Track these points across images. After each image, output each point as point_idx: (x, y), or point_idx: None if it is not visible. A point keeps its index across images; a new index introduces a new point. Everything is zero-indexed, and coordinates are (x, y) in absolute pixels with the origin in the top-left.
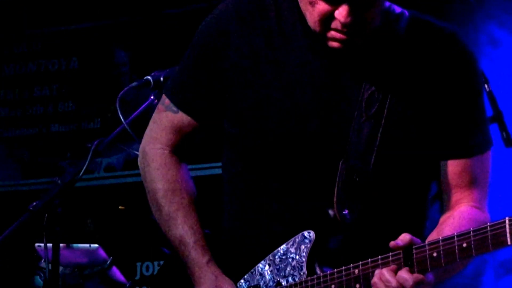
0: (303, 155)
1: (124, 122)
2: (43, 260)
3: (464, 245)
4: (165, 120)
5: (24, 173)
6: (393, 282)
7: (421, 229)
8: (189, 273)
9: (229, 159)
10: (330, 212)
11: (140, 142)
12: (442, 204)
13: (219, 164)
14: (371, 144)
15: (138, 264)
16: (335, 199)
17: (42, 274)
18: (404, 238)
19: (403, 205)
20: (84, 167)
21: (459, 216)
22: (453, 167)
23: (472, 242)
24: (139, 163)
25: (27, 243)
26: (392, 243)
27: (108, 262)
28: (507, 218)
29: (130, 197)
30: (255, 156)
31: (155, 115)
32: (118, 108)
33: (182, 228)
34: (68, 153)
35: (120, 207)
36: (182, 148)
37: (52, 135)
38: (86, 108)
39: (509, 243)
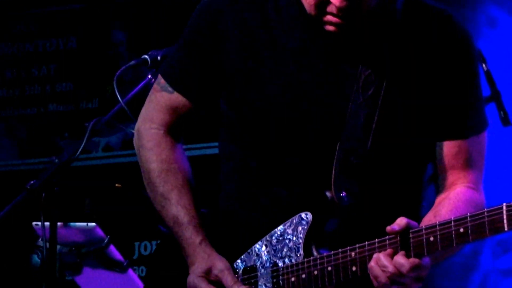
0: (300, 136)
1: (121, 101)
2: (40, 239)
3: (461, 230)
4: (160, 100)
5: (21, 152)
6: (390, 267)
7: (417, 210)
8: (183, 254)
9: (225, 139)
10: (328, 194)
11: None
12: (438, 185)
13: (216, 144)
14: (368, 126)
15: (136, 243)
16: (332, 181)
17: (39, 253)
18: (401, 222)
19: (400, 186)
20: (82, 146)
21: (455, 197)
22: (449, 148)
23: (469, 227)
24: (134, 143)
25: (24, 222)
26: (388, 228)
27: (105, 241)
28: (504, 204)
29: (128, 177)
30: (252, 137)
31: (150, 95)
32: (115, 87)
33: (176, 208)
34: (66, 132)
35: (116, 184)
36: (178, 129)
37: (50, 115)
38: (84, 88)
39: (506, 229)
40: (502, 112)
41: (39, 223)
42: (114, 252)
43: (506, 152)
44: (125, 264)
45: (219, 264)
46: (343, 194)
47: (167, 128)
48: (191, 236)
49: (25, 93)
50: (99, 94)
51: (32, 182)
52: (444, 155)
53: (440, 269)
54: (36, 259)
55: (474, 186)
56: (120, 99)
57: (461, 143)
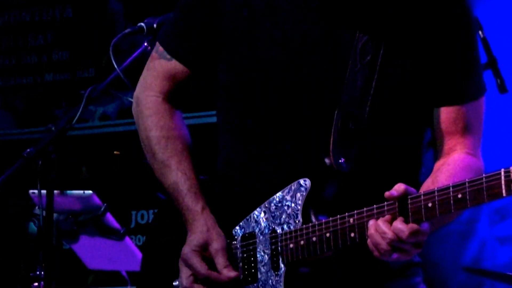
0: (298, 103)
1: (117, 69)
2: (37, 207)
3: (459, 196)
4: (158, 67)
5: (18, 122)
6: (389, 233)
7: (416, 176)
8: (184, 220)
9: (223, 106)
10: (326, 160)
11: (134, 90)
12: (436, 151)
13: (214, 112)
14: (365, 92)
15: (133, 212)
16: (331, 148)
17: (36, 221)
18: (399, 188)
19: (398, 152)
20: (78, 113)
21: (453, 163)
22: (447, 114)
23: (467, 193)
24: (133, 111)
25: (21, 190)
26: (386, 194)
27: (102, 209)
28: (502, 169)
29: (124, 146)
30: (249, 103)
31: (149, 63)
32: (111, 55)
33: (176, 174)
34: (62, 102)
35: (115, 152)
36: (176, 96)
37: (47, 84)
38: (80, 57)
39: (504, 194)
40: (498, 80)
41: (36, 191)
42: (111, 220)
43: (502, 119)
44: (122, 231)
45: (216, 243)
46: (341, 160)
47: (165, 96)
48: (191, 203)
49: (22, 62)
50: (95, 63)
51: (28, 150)
52: (442, 121)
53: (437, 237)
54: (32, 227)
55: (472, 152)
56: (116, 66)
57: (459, 108)
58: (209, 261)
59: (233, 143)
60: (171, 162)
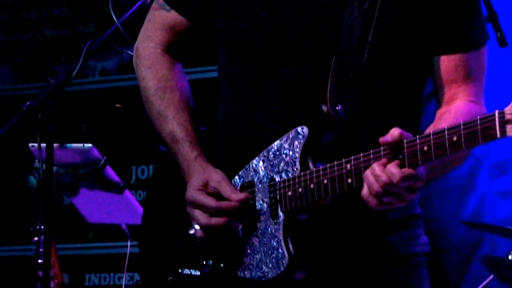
0: (296, 51)
1: (117, 22)
2: (37, 160)
3: (454, 138)
4: (158, 19)
5: (18, 78)
6: (383, 176)
7: (416, 125)
8: (181, 170)
9: (222, 57)
10: (324, 107)
11: (134, 44)
12: (438, 100)
13: (215, 67)
14: (363, 40)
15: (133, 167)
16: (328, 95)
17: (36, 174)
18: (394, 133)
19: (397, 100)
20: (78, 66)
21: (455, 111)
22: (448, 62)
23: (462, 136)
24: (133, 62)
25: (21, 144)
26: (381, 139)
27: (102, 162)
28: (496, 111)
29: (125, 101)
30: (247, 52)
31: (149, 14)
32: (111, 9)
33: (172, 124)
34: (62, 57)
35: (116, 105)
36: (176, 47)
37: (46, 39)
38: (80, 12)
39: (498, 136)
40: (498, 33)
41: (35, 144)
42: (111, 173)
43: (503, 73)
44: (121, 184)
45: (216, 176)
46: (338, 107)
47: (165, 47)
48: (187, 152)
49: (21, 18)
50: (95, 18)
51: (28, 103)
52: (443, 69)
53: (437, 191)
54: (32, 180)
55: (475, 99)
56: (115, 20)
57: (461, 56)
58: (216, 196)
59: (232, 94)
60: (167, 113)
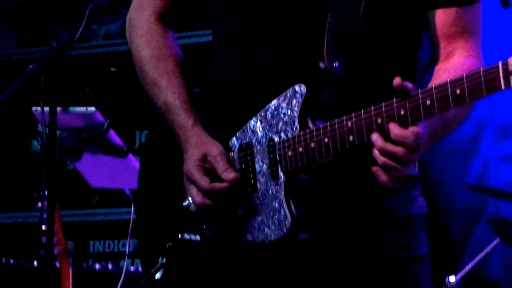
0: (291, 7)
1: None
2: (40, 124)
3: (458, 91)
4: None
5: (20, 41)
6: (411, 136)
7: (413, 80)
8: (176, 138)
9: (215, 19)
10: (321, 64)
11: None
12: (434, 56)
13: (210, 31)
14: None
15: (137, 132)
16: (325, 52)
17: (39, 138)
18: (397, 79)
19: (393, 55)
20: (81, 29)
21: (454, 68)
22: (445, 16)
23: (466, 88)
24: (126, 32)
25: (24, 107)
26: (397, 80)
27: (105, 126)
28: (500, 62)
29: (128, 65)
30: (241, 11)
31: None
32: None
33: (166, 93)
34: (65, 20)
35: (112, 68)
36: (169, 15)
37: (49, 2)
38: None
39: (503, 87)
40: None
41: (39, 108)
42: (114, 136)
43: (505, 35)
44: (125, 148)
45: (213, 150)
46: (336, 64)
47: (158, 15)
48: (182, 119)
49: None
50: None
51: (30, 66)
52: (440, 24)
53: (440, 155)
54: (35, 144)
55: (474, 53)
56: None
57: (457, 10)
58: (212, 173)
59: (227, 55)
60: (161, 81)
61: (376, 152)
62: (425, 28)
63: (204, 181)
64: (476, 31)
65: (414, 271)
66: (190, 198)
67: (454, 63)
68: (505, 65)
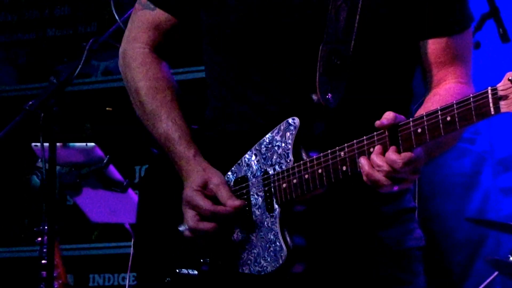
0: (282, 41)
1: (118, 20)
2: (40, 160)
3: (448, 118)
4: (143, 18)
5: (20, 78)
6: (384, 165)
7: (406, 110)
8: (177, 169)
9: (208, 53)
10: (314, 97)
11: None
12: (426, 84)
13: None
14: (349, 27)
15: (137, 167)
16: (317, 84)
17: (39, 174)
18: (388, 116)
19: (386, 86)
20: (80, 65)
21: (445, 93)
22: (435, 45)
23: (456, 115)
24: (119, 65)
25: (23, 143)
26: (377, 123)
27: (105, 161)
28: (489, 88)
29: (128, 101)
30: (233, 45)
31: (132, 16)
32: (112, 7)
33: (166, 124)
34: (64, 57)
35: (107, 108)
36: (163, 46)
37: (49, 39)
38: (82, 12)
39: (492, 112)
40: (501, 29)
41: (38, 144)
42: (114, 172)
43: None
44: (125, 184)
45: (215, 179)
46: (329, 95)
47: (151, 46)
48: (184, 150)
49: (23, 18)
50: (97, 17)
51: (30, 102)
52: (430, 53)
53: (440, 189)
54: (35, 180)
55: (464, 80)
56: (117, 18)
57: (448, 39)
58: (212, 199)
59: (220, 90)
60: (161, 112)
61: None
62: (417, 61)
63: (206, 204)
64: (467, 58)
65: None
66: (186, 224)
67: (444, 87)
68: (494, 90)
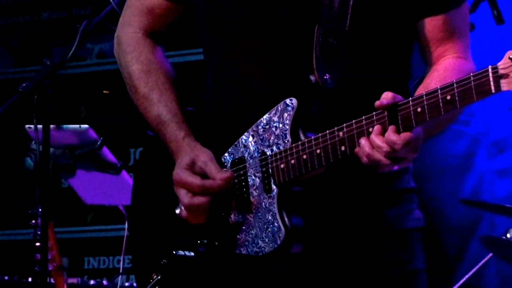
0: (277, 23)
1: (112, 2)
2: (33, 142)
3: (448, 97)
4: (137, 3)
5: (16, 61)
6: (384, 146)
7: (405, 89)
8: (170, 152)
9: (204, 37)
10: (311, 77)
11: None
12: (425, 62)
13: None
14: (344, 6)
15: (132, 150)
16: (314, 65)
17: (33, 156)
18: (387, 96)
19: (384, 66)
20: (74, 47)
21: (444, 69)
22: (433, 23)
23: (456, 94)
24: (114, 51)
25: (17, 125)
26: (377, 103)
27: (98, 143)
28: (489, 66)
29: (123, 83)
30: (229, 28)
31: (127, 1)
32: None
33: (158, 107)
34: (59, 40)
35: (104, 91)
36: (157, 31)
37: (43, 22)
38: None
39: (493, 91)
40: (495, 11)
41: (32, 126)
42: (108, 154)
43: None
44: (119, 165)
45: (202, 156)
46: (326, 76)
47: (145, 31)
48: (174, 132)
49: (19, 1)
50: (92, 0)
51: (24, 84)
52: (428, 31)
53: (435, 170)
54: (29, 162)
55: (463, 55)
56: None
57: (445, 15)
58: (202, 176)
59: (217, 74)
60: (153, 95)
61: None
62: (415, 38)
63: (194, 179)
64: (464, 33)
65: (411, 285)
66: (181, 205)
67: (444, 64)
68: (495, 69)
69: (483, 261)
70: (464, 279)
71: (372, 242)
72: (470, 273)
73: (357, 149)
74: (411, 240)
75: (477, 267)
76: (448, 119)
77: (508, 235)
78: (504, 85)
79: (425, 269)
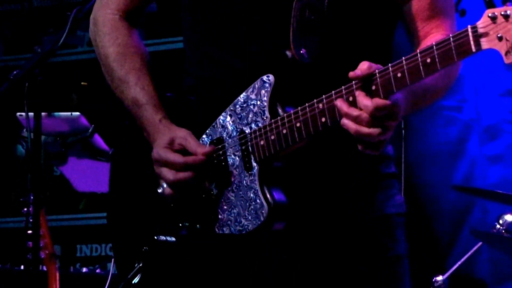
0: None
1: None
2: (25, 129)
3: (428, 60)
4: None
5: (7, 49)
6: (361, 113)
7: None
8: (146, 135)
9: (185, 20)
10: (288, 53)
11: None
12: (412, 43)
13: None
14: None
15: None
16: (291, 39)
17: (24, 143)
18: (362, 66)
19: (364, 43)
20: (64, 34)
21: (430, 42)
22: (419, 4)
23: (436, 56)
24: (90, 31)
25: (9, 113)
26: (351, 73)
27: (90, 130)
28: (469, 26)
29: None
30: (207, 7)
31: None
32: None
33: (134, 90)
34: (50, 28)
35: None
36: (133, 14)
37: (35, 10)
38: None
39: (473, 50)
40: None
41: (23, 113)
42: (99, 141)
43: None
44: (110, 153)
45: (181, 133)
46: (302, 51)
47: (123, 13)
48: (151, 115)
49: None
50: None
51: (15, 72)
52: (415, 11)
53: (427, 157)
54: (20, 149)
55: (450, 32)
56: None
57: None
58: (182, 152)
59: (196, 56)
60: (129, 78)
61: (344, 121)
62: (397, 18)
63: (176, 157)
64: (451, 13)
65: (394, 271)
66: (164, 184)
67: (431, 40)
68: (474, 28)
69: (476, 246)
70: (456, 265)
71: (353, 225)
72: (462, 260)
73: (342, 122)
74: (391, 225)
75: (469, 253)
76: (435, 91)
77: (501, 221)
78: (485, 43)
79: (406, 255)
